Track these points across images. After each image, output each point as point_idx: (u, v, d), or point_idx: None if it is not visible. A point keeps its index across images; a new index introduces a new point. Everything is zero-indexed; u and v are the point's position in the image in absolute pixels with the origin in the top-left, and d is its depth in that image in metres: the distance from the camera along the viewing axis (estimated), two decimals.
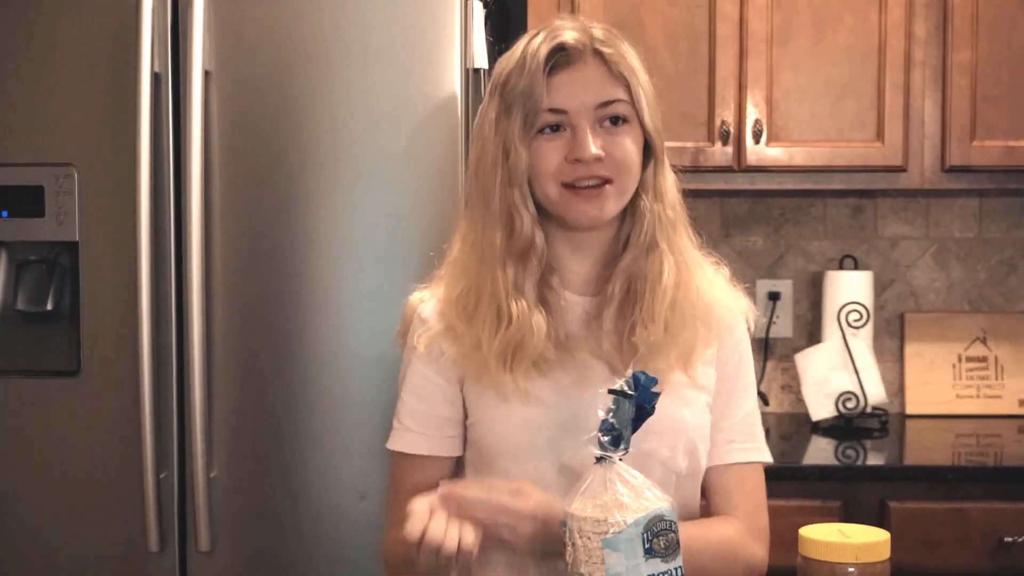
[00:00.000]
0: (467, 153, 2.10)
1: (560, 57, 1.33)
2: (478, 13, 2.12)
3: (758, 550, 1.44)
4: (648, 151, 1.38)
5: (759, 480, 1.47)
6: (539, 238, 1.36)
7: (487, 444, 1.39)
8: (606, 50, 1.34)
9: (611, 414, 1.17)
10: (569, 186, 1.33)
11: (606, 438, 1.16)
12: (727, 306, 1.45)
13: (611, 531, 1.13)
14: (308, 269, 2.10)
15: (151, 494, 2.07)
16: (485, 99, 1.39)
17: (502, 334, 1.33)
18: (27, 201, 2.12)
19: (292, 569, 2.12)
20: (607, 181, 1.34)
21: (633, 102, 1.35)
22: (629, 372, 1.20)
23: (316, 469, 2.11)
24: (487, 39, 2.15)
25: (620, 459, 1.17)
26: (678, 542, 1.16)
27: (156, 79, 2.08)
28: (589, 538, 1.14)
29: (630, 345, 1.36)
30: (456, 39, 2.08)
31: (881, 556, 1.17)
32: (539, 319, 1.34)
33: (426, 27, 2.08)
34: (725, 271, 1.48)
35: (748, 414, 1.47)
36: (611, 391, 1.17)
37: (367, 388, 2.08)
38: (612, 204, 1.35)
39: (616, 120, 1.34)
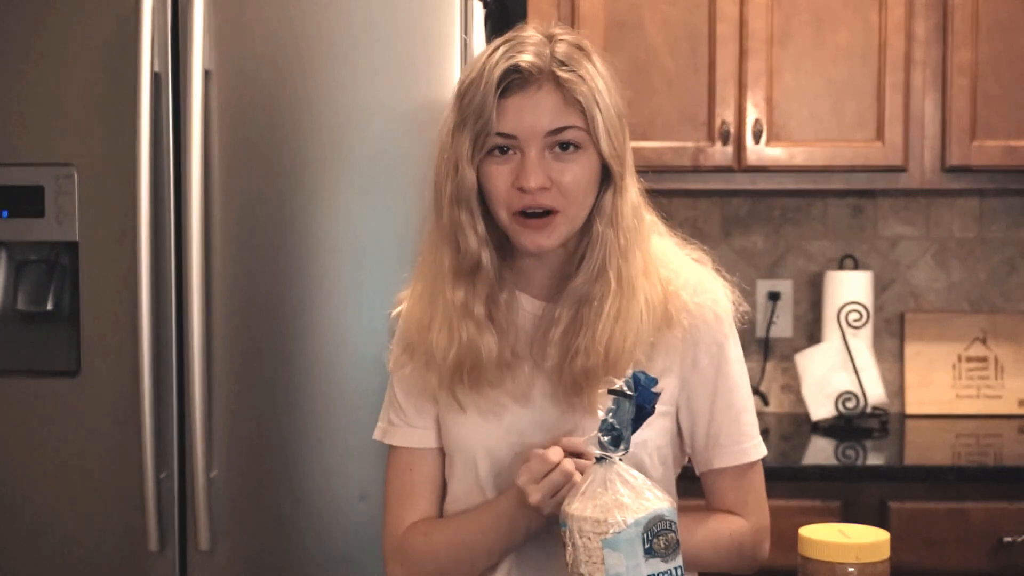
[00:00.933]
0: None
1: (515, 79, 1.29)
2: (478, 13, 2.12)
3: (762, 547, 1.44)
4: (606, 175, 1.35)
5: (755, 478, 1.44)
6: (485, 258, 1.35)
7: (448, 447, 1.44)
8: (563, 74, 1.29)
9: (611, 414, 1.17)
10: (517, 214, 1.32)
11: (606, 438, 1.16)
12: (700, 302, 1.40)
13: (611, 531, 1.13)
14: (308, 269, 2.10)
15: (151, 494, 2.07)
16: (449, 104, 1.37)
17: (453, 353, 1.35)
18: (27, 201, 2.12)
19: (292, 569, 2.12)
20: (554, 211, 1.31)
21: (588, 129, 1.31)
22: (629, 372, 1.20)
23: (316, 469, 2.11)
24: (487, 39, 2.15)
25: (620, 459, 1.17)
26: (678, 542, 1.16)
27: (156, 79, 2.08)
28: (589, 538, 1.14)
29: (569, 370, 1.35)
30: (456, 39, 2.07)
31: (881, 556, 1.17)
32: (489, 341, 1.35)
33: (426, 27, 2.08)
34: (707, 260, 1.45)
35: (736, 413, 1.42)
36: (611, 391, 1.17)
37: (367, 388, 2.08)
38: (560, 233, 1.33)
39: (567, 146, 1.31)
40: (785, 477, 2.23)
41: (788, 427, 2.74)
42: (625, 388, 1.17)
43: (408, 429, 1.45)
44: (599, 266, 1.35)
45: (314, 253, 2.10)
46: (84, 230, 2.12)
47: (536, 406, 1.39)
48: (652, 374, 1.31)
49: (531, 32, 1.34)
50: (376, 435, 1.50)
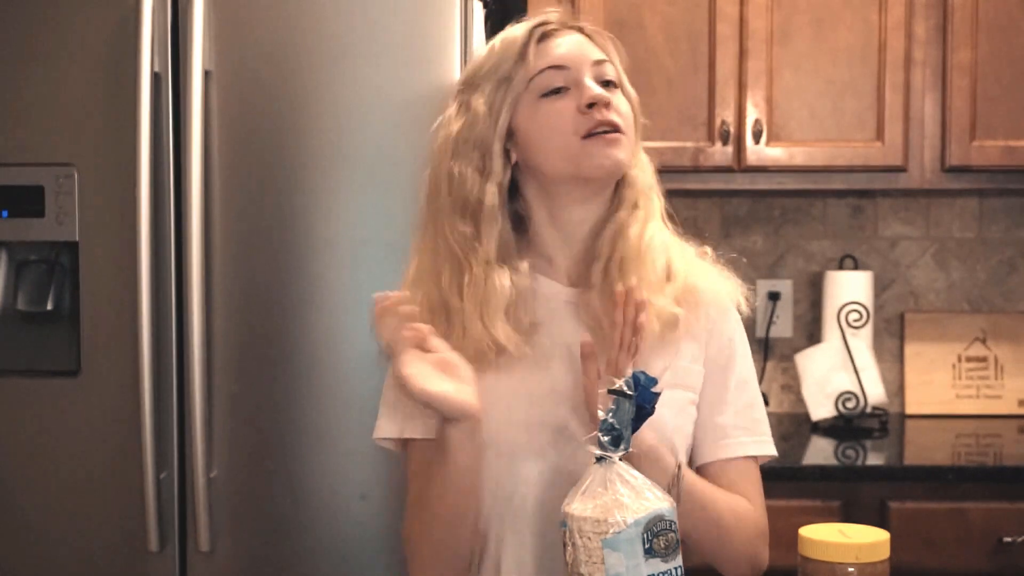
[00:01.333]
0: None
1: (543, 30, 1.36)
2: (478, 13, 2.12)
3: (763, 553, 1.42)
4: None
5: (758, 477, 1.44)
6: (491, 191, 1.35)
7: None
8: (585, 26, 1.39)
9: (611, 414, 1.17)
10: (588, 136, 1.33)
11: (606, 438, 1.16)
12: (715, 291, 1.43)
13: (611, 531, 1.13)
14: (308, 269, 2.10)
15: (151, 494, 2.07)
16: (449, 110, 1.40)
17: (468, 290, 1.33)
18: (27, 201, 2.12)
19: (292, 569, 2.12)
20: (620, 130, 1.34)
21: (617, 73, 1.39)
22: (629, 372, 1.19)
23: (316, 469, 2.11)
24: (487, 39, 2.15)
25: (619, 459, 1.17)
26: (678, 542, 1.16)
27: (156, 79, 2.08)
28: (589, 538, 1.14)
29: (607, 275, 1.36)
30: (456, 39, 2.08)
31: (881, 556, 1.17)
32: (502, 278, 1.33)
33: (426, 27, 2.08)
34: (708, 251, 1.47)
35: (746, 407, 1.43)
36: (611, 391, 1.17)
37: (367, 388, 2.07)
38: (628, 152, 1.35)
39: (608, 83, 1.36)
40: (785, 477, 2.23)
41: (788, 427, 2.74)
42: (625, 388, 1.17)
43: (425, 419, 1.35)
44: (632, 201, 1.39)
45: (314, 253, 2.10)
46: (84, 230, 2.12)
47: (556, 378, 1.35)
48: (682, 361, 1.37)
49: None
50: (383, 433, 1.41)
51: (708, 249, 1.47)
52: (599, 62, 1.36)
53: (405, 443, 1.41)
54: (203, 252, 2.06)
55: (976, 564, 2.23)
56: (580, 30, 1.39)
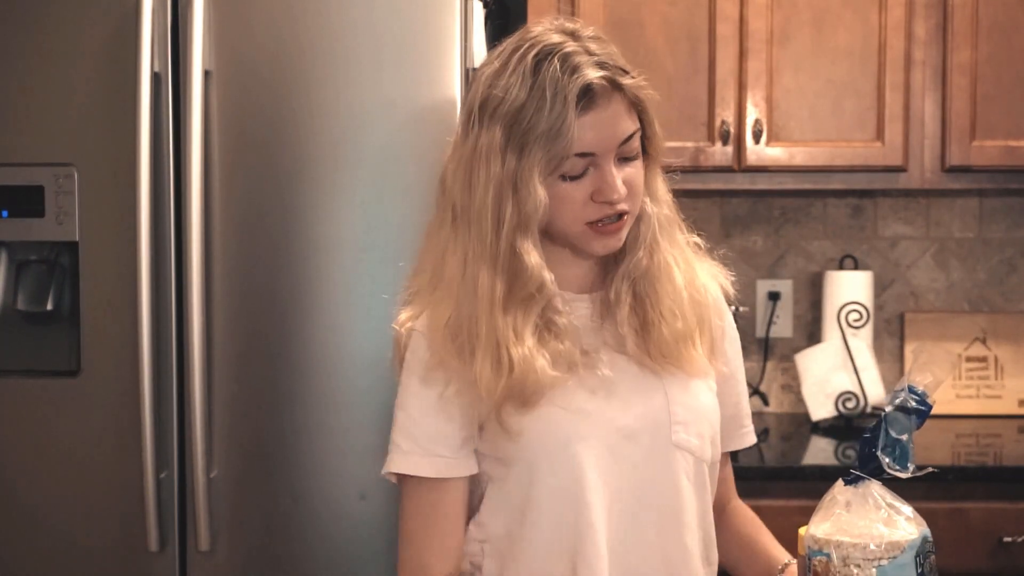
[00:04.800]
0: None
1: (587, 99, 1.27)
2: (478, 13, 2.12)
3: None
4: (644, 155, 1.38)
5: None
6: (548, 280, 1.32)
7: (523, 449, 1.33)
8: (622, 80, 1.30)
9: (893, 431, 1.12)
10: (592, 224, 1.31)
11: (888, 459, 1.11)
12: (715, 287, 1.46)
13: (886, 558, 1.09)
14: (308, 269, 2.10)
15: (151, 494, 2.07)
16: (473, 116, 1.32)
17: (504, 381, 1.28)
18: (27, 201, 2.12)
19: (292, 569, 2.12)
20: (625, 213, 1.33)
21: (644, 124, 1.33)
22: (903, 384, 1.15)
23: (316, 469, 2.11)
24: (487, 39, 2.15)
25: (885, 479, 1.13)
26: (935, 562, 1.13)
27: (156, 79, 2.08)
28: (859, 565, 1.10)
29: (658, 342, 1.36)
30: (456, 39, 2.07)
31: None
32: (542, 363, 1.29)
33: (426, 27, 2.08)
34: (698, 239, 1.48)
35: (745, 400, 1.52)
36: (898, 408, 1.13)
37: (367, 388, 2.08)
38: (626, 232, 1.35)
39: (632, 156, 1.32)
40: (785, 477, 2.24)
41: (788, 427, 2.73)
42: (912, 402, 1.12)
43: (429, 457, 1.34)
44: (651, 241, 1.38)
45: (314, 253, 2.10)
46: (84, 230, 2.12)
47: (618, 389, 1.35)
48: (716, 359, 1.41)
49: (553, 36, 1.31)
50: (394, 467, 1.36)
51: (700, 241, 1.48)
52: (626, 140, 1.30)
53: (404, 478, 1.37)
54: (203, 252, 2.06)
55: (976, 564, 2.23)
56: (619, 87, 1.30)
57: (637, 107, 1.32)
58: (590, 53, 1.29)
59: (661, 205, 1.40)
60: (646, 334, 1.36)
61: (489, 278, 1.30)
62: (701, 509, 1.39)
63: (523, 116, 1.27)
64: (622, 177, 1.30)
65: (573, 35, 1.32)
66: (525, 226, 1.29)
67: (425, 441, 1.34)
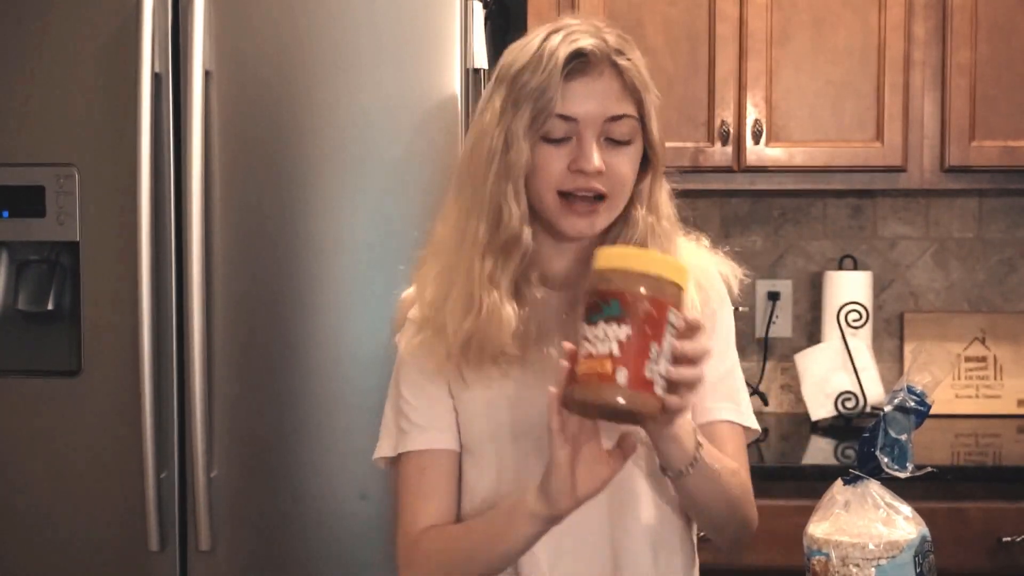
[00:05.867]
0: None
1: (578, 63, 1.31)
2: (478, 13, 2.12)
3: (754, 509, 1.45)
4: (645, 163, 1.38)
5: (741, 443, 1.46)
6: (526, 235, 1.34)
7: (463, 432, 1.41)
8: (623, 62, 1.32)
9: (892, 430, 1.11)
10: (565, 195, 1.32)
11: (887, 458, 1.11)
12: (713, 274, 1.46)
13: (885, 558, 1.09)
14: (308, 269, 2.11)
15: (151, 494, 2.07)
16: (489, 86, 1.37)
17: (469, 322, 1.33)
18: (28, 201, 2.12)
19: (292, 569, 2.13)
20: (602, 196, 1.32)
21: (642, 117, 1.34)
22: (902, 384, 1.15)
23: (316, 469, 2.11)
24: (487, 39, 2.15)
25: (883, 479, 1.12)
26: (934, 561, 1.13)
27: (156, 79, 2.08)
28: (858, 565, 1.10)
29: None
30: (456, 39, 2.08)
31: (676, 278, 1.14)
32: (509, 312, 1.33)
33: (426, 27, 2.08)
34: (705, 241, 1.48)
35: (726, 375, 1.45)
36: (897, 408, 1.12)
37: (367, 388, 2.08)
38: (602, 220, 1.34)
39: (622, 140, 1.33)
40: (785, 477, 2.23)
41: (788, 427, 2.74)
42: (910, 402, 1.12)
43: (419, 432, 1.41)
44: (635, 219, 1.37)
45: (314, 253, 2.10)
46: (84, 230, 2.12)
47: (547, 383, 1.34)
48: None
49: (576, 20, 1.35)
50: (382, 452, 1.44)
51: (705, 240, 1.49)
52: (614, 119, 1.32)
53: (394, 460, 1.44)
54: (203, 252, 2.06)
55: (976, 564, 2.23)
56: (615, 65, 1.32)
57: (635, 95, 1.33)
58: (598, 32, 1.33)
59: (659, 217, 1.39)
60: None
61: (474, 223, 1.34)
62: (655, 499, 1.39)
63: (520, 77, 1.31)
64: (606, 159, 1.31)
65: (594, 26, 1.35)
66: (508, 176, 1.32)
67: (403, 421, 1.41)
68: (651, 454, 1.35)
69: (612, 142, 1.33)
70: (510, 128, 1.31)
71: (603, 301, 1.12)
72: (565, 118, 1.30)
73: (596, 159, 1.30)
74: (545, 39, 1.33)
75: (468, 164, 1.37)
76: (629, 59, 1.33)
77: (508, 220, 1.33)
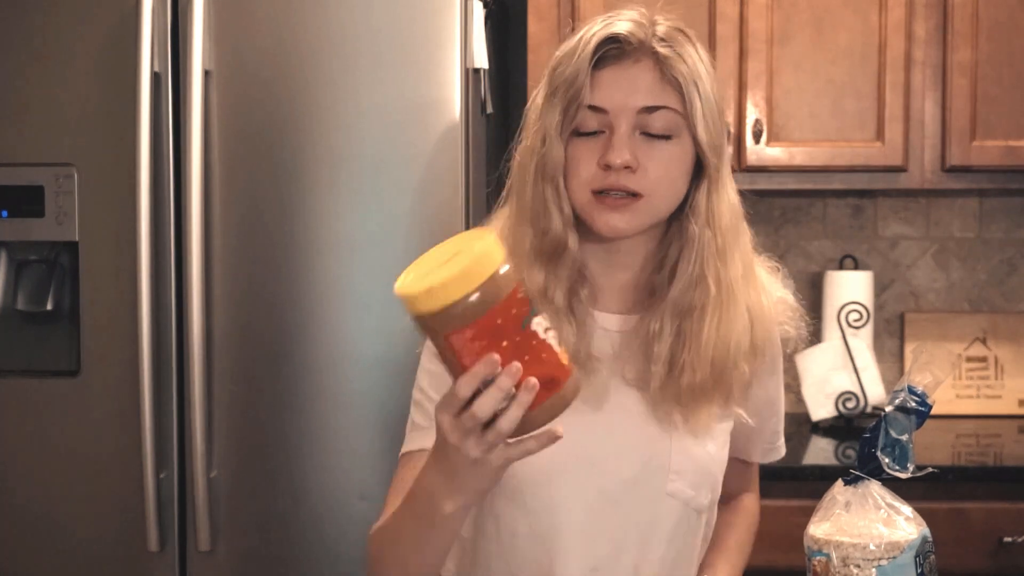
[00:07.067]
0: (467, 153, 2.10)
1: (611, 49, 1.21)
2: (478, 13, 2.12)
3: (757, 505, 1.56)
4: (699, 168, 1.27)
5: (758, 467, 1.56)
6: (572, 240, 1.24)
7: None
8: (662, 50, 1.22)
9: (893, 431, 1.10)
10: (598, 193, 1.22)
11: (887, 459, 1.10)
12: (774, 320, 1.36)
13: (886, 558, 1.08)
14: (308, 269, 2.10)
15: (151, 494, 2.07)
16: (543, 83, 1.28)
17: None
18: (27, 201, 2.12)
19: (292, 569, 2.12)
20: (637, 195, 1.22)
21: (685, 113, 1.23)
22: (903, 384, 1.13)
23: (316, 469, 2.11)
24: (487, 39, 2.15)
25: (884, 479, 1.12)
26: (935, 561, 1.12)
27: (156, 79, 2.08)
28: (859, 566, 1.09)
29: (673, 388, 1.27)
30: (456, 39, 2.08)
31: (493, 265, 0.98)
32: (566, 330, 1.23)
33: (426, 27, 2.08)
34: (779, 273, 1.40)
35: (778, 420, 1.49)
36: (897, 408, 1.11)
37: (367, 388, 2.08)
38: (639, 219, 1.23)
39: (659, 134, 1.23)
40: (785, 477, 2.23)
41: (788, 427, 2.70)
42: (911, 403, 1.11)
43: (428, 432, 1.24)
44: (697, 272, 1.26)
45: (314, 253, 2.10)
46: (84, 230, 2.12)
47: (612, 418, 1.28)
48: (734, 406, 1.33)
49: (632, 10, 1.27)
50: (406, 447, 1.33)
51: (779, 266, 1.40)
52: (649, 110, 1.21)
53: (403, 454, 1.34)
54: (203, 252, 2.06)
55: (976, 564, 2.23)
56: (654, 52, 1.22)
57: (677, 88, 1.23)
58: (645, 18, 1.25)
59: (715, 231, 1.27)
60: (672, 378, 1.26)
61: (522, 229, 1.26)
62: (675, 552, 1.33)
63: (558, 67, 1.24)
64: (640, 154, 1.21)
65: (644, 14, 1.27)
66: (547, 177, 1.23)
67: (420, 416, 1.31)
68: (685, 509, 1.31)
69: (648, 136, 1.22)
70: (546, 124, 1.23)
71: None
72: (596, 109, 1.22)
73: (621, 153, 1.20)
74: (590, 26, 1.24)
75: (516, 166, 1.30)
76: (675, 50, 1.23)
77: (548, 226, 1.24)
